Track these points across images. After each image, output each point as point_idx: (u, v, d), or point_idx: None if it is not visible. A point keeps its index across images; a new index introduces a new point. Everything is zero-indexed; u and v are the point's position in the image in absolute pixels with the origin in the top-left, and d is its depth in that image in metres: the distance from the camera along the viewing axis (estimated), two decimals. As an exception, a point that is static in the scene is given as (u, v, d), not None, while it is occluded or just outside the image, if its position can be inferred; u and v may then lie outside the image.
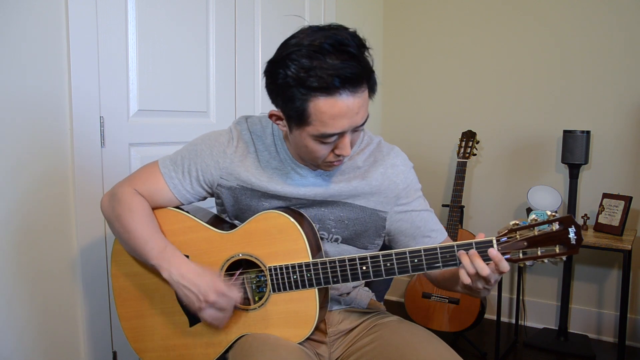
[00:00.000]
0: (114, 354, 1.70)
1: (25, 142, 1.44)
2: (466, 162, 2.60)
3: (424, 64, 3.01)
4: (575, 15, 2.60)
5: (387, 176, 1.16)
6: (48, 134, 1.49)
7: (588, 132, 2.43)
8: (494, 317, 2.76)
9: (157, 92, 1.79)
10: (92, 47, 1.57)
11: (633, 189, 2.52)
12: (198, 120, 1.96)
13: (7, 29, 1.38)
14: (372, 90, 1.01)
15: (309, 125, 0.98)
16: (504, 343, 2.63)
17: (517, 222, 0.98)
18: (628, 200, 2.30)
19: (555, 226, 0.95)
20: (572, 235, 0.94)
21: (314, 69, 0.92)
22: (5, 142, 1.40)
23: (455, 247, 1.00)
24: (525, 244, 0.96)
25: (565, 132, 2.46)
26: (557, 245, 0.95)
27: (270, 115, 1.07)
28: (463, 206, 2.61)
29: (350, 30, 0.97)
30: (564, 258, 0.96)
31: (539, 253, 0.96)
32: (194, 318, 1.18)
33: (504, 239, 0.97)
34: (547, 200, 2.52)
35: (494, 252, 0.97)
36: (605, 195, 2.41)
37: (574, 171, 2.50)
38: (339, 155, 1.05)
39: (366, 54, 0.97)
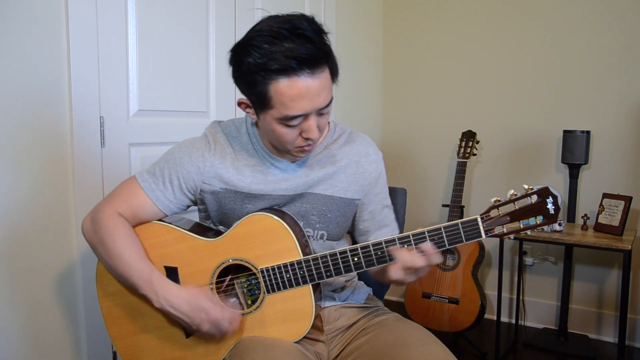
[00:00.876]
0: (114, 354, 1.70)
1: (25, 142, 1.44)
2: (466, 162, 2.60)
3: (424, 64, 3.01)
4: (575, 16, 2.60)
5: (361, 164, 1.22)
6: (48, 133, 1.49)
7: (588, 132, 2.43)
8: (494, 317, 2.76)
9: (157, 92, 1.79)
10: (92, 47, 1.57)
11: (633, 189, 2.52)
12: (198, 120, 1.96)
13: (7, 29, 1.38)
14: (333, 73, 1.04)
15: (272, 109, 1.01)
16: (504, 343, 2.63)
17: (498, 198, 1.02)
18: (628, 200, 2.30)
19: (534, 198, 0.99)
20: (550, 205, 0.99)
21: (272, 52, 0.96)
22: (6, 142, 1.40)
23: (443, 228, 1.02)
24: (508, 218, 1.01)
25: (565, 132, 2.46)
26: (537, 217, 1.00)
27: (239, 103, 1.10)
28: (463, 206, 2.61)
29: (308, 16, 1.00)
30: (545, 228, 1.01)
31: (521, 226, 1.01)
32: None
33: (487, 216, 1.01)
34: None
35: (428, 246, 1.02)
36: (605, 195, 2.41)
37: (574, 171, 2.50)
38: (307, 139, 1.06)
39: (324, 38, 1.00)
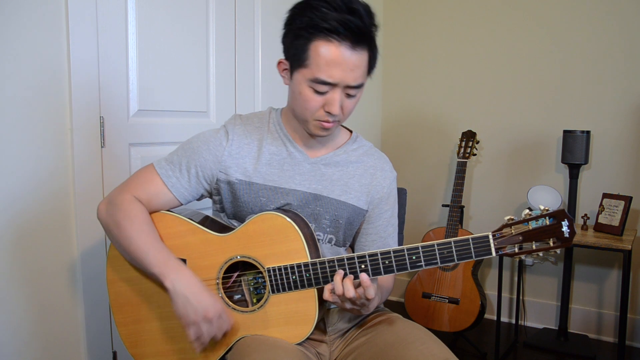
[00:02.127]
0: (114, 354, 1.70)
1: (25, 142, 1.44)
2: (466, 162, 2.60)
3: (424, 63, 3.01)
4: (575, 16, 2.60)
5: (376, 177, 1.25)
6: (48, 134, 1.49)
7: (588, 132, 2.43)
8: (494, 317, 2.76)
9: (157, 92, 1.79)
10: (92, 47, 1.57)
11: (633, 189, 2.52)
12: (198, 120, 1.96)
13: (7, 29, 1.38)
14: (371, 62, 1.09)
15: (306, 68, 1.06)
16: (504, 343, 2.63)
17: (511, 217, 1.01)
18: (628, 200, 2.30)
19: (549, 220, 0.98)
20: (565, 228, 0.97)
21: (325, 14, 1.02)
22: (5, 142, 1.40)
23: (453, 243, 1.01)
24: (521, 238, 0.99)
25: (565, 132, 2.46)
26: (551, 239, 0.98)
27: (279, 63, 1.15)
28: (463, 206, 2.61)
29: (364, 2, 1.07)
30: (558, 251, 0.99)
31: (534, 247, 0.99)
32: None
33: (499, 234, 1.00)
34: (547, 200, 2.52)
35: (364, 277, 1.03)
36: (605, 195, 2.41)
37: (574, 171, 2.50)
38: (328, 113, 1.09)
39: (373, 24, 1.07)
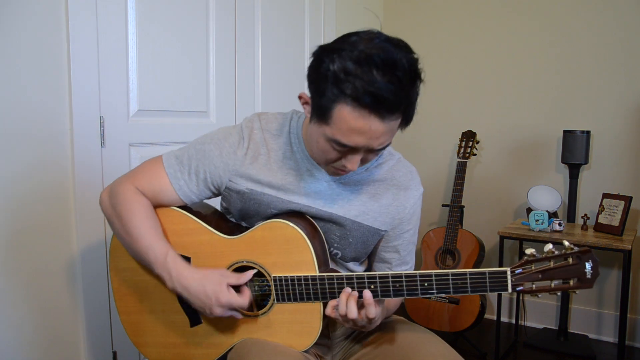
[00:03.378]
0: (114, 354, 1.70)
1: (25, 142, 1.44)
2: (466, 162, 2.60)
3: (424, 63, 2.99)
4: (575, 15, 2.60)
5: (398, 198, 1.15)
6: (48, 134, 1.49)
7: (588, 132, 2.43)
8: (494, 317, 2.76)
9: (157, 92, 1.79)
10: (92, 47, 1.57)
11: (633, 189, 2.52)
12: (198, 120, 1.97)
13: (7, 29, 1.38)
14: (405, 121, 0.98)
15: (328, 126, 0.96)
16: (504, 343, 2.63)
17: (533, 252, 0.95)
18: (628, 200, 2.30)
19: (572, 259, 0.93)
20: (588, 269, 0.93)
21: (354, 75, 0.88)
22: (5, 142, 1.40)
23: (468, 275, 0.97)
24: (540, 276, 0.94)
25: (565, 132, 2.46)
26: (572, 279, 0.94)
27: (300, 97, 1.04)
28: (463, 206, 2.61)
29: (413, 55, 0.93)
30: (577, 292, 0.95)
31: (552, 285, 0.94)
32: (195, 319, 1.17)
33: (519, 270, 0.95)
34: (547, 200, 2.52)
35: (367, 294, 1.00)
36: (605, 195, 2.41)
37: (574, 171, 2.50)
38: (345, 166, 1.02)
39: (416, 85, 0.93)
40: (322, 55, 0.94)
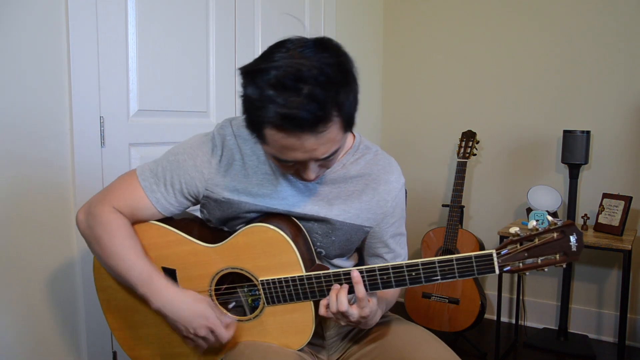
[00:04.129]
0: (114, 354, 1.70)
1: (25, 142, 1.44)
2: (466, 162, 2.60)
3: (424, 63, 3.01)
4: (575, 15, 2.60)
5: (379, 192, 1.14)
6: (48, 133, 1.49)
7: (588, 132, 2.43)
8: (494, 317, 2.76)
9: (157, 92, 1.79)
10: (92, 47, 1.57)
11: (633, 189, 2.52)
12: (198, 120, 1.97)
13: (7, 29, 1.38)
14: (346, 125, 0.93)
15: (265, 145, 0.95)
16: (504, 343, 2.63)
17: (517, 231, 0.97)
18: (628, 200, 2.30)
19: (556, 234, 0.94)
20: (573, 242, 0.93)
21: (270, 101, 0.87)
22: (5, 142, 1.40)
23: (455, 260, 0.98)
24: (526, 254, 0.95)
25: (565, 132, 2.46)
26: (558, 253, 0.94)
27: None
28: (463, 206, 2.61)
29: (327, 61, 0.88)
30: (564, 265, 0.95)
31: (539, 261, 0.95)
32: None
33: (505, 251, 0.96)
34: (547, 200, 2.52)
35: (355, 273, 1.00)
36: (605, 195, 2.41)
37: (574, 171, 2.50)
38: (302, 177, 1.00)
39: (338, 90, 0.88)
40: (242, 79, 0.93)
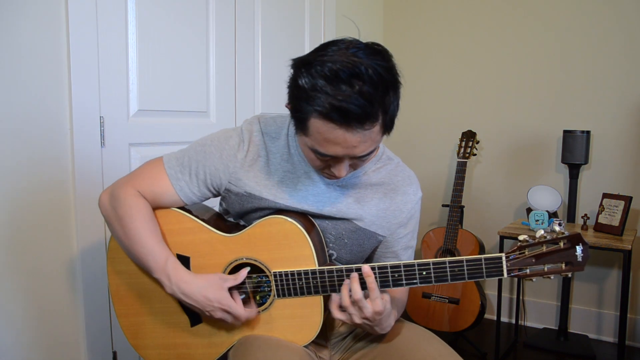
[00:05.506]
0: (114, 354, 1.70)
1: (25, 142, 1.44)
2: (466, 162, 2.60)
3: (424, 63, 3.01)
4: (575, 15, 2.60)
5: (396, 202, 1.16)
6: (48, 133, 1.49)
7: (588, 132, 2.43)
8: (494, 317, 2.76)
9: (157, 92, 1.79)
10: (92, 47, 1.57)
11: (633, 189, 2.52)
12: (198, 120, 1.97)
13: (7, 29, 1.38)
14: (386, 128, 0.97)
15: (307, 137, 0.98)
16: (504, 343, 2.63)
17: (526, 237, 0.99)
18: (628, 200, 2.30)
19: (563, 244, 0.97)
20: (579, 252, 0.97)
21: (322, 91, 0.90)
22: (5, 142, 1.40)
23: (465, 262, 1.00)
24: (533, 260, 0.98)
25: (565, 132, 2.46)
26: (563, 262, 0.98)
27: (286, 106, 1.04)
28: (463, 206, 2.61)
29: (387, 64, 0.93)
30: (570, 274, 0.98)
31: (545, 269, 0.98)
32: (195, 318, 1.17)
33: (514, 255, 0.99)
34: (547, 200, 2.52)
35: (365, 267, 1.02)
36: (605, 195, 2.41)
37: (574, 171, 2.50)
38: (333, 173, 1.03)
39: (387, 91, 0.93)
40: (295, 69, 0.96)
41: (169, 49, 1.81)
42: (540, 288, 2.81)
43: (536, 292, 2.83)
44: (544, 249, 0.98)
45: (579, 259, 0.97)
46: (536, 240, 0.99)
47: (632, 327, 2.56)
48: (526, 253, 0.99)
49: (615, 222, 2.30)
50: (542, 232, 0.99)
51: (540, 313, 2.81)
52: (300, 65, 0.95)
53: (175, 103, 1.87)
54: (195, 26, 1.91)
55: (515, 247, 1.00)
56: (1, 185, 1.40)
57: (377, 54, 0.94)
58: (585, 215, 2.43)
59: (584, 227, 2.42)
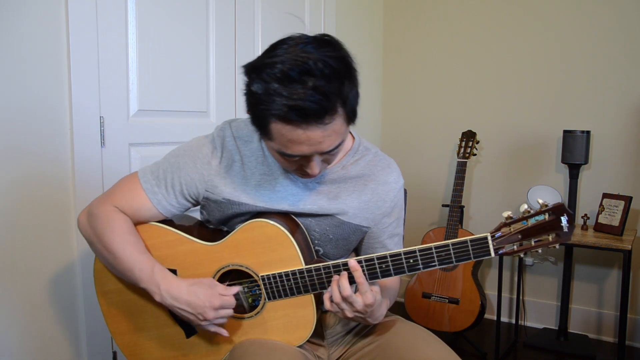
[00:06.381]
0: (114, 354, 1.70)
1: (25, 142, 1.44)
2: (466, 162, 2.60)
3: (424, 63, 3.01)
4: (575, 15, 2.60)
5: (377, 192, 1.16)
6: (48, 134, 1.49)
7: (588, 132, 2.43)
8: (494, 317, 2.76)
9: (157, 92, 1.79)
10: (92, 47, 1.57)
11: (633, 189, 2.52)
12: (198, 120, 1.97)
13: (7, 29, 1.38)
14: (349, 118, 0.96)
15: (272, 141, 0.97)
16: (504, 343, 2.63)
17: (510, 215, 0.98)
18: (628, 200, 2.30)
19: (548, 215, 0.96)
20: (564, 223, 0.95)
21: (277, 94, 0.89)
22: (5, 142, 1.40)
23: (451, 245, 0.99)
24: (520, 236, 0.97)
25: (565, 132, 2.46)
26: (550, 234, 0.96)
27: (247, 112, 1.03)
28: (463, 206, 2.61)
29: (338, 53, 0.92)
30: (557, 246, 0.97)
31: (533, 243, 0.97)
32: (189, 329, 1.16)
33: (499, 234, 0.98)
34: (547, 200, 2.51)
35: (352, 262, 1.01)
36: (605, 195, 2.41)
37: (574, 171, 2.50)
38: (306, 172, 1.02)
39: (342, 82, 0.91)
40: (247, 76, 0.95)
41: (169, 49, 1.81)
42: (540, 288, 2.81)
43: (536, 292, 2.83)
44: (529, 223, 0.97)
45: (565, 229, 0.95)
46: (520, 216, 0.98)
47: (632, 327, 2.56)
48: (511, 230, 0.98)
49: (615, 222, 2.30)
50: (525, 206, 0.98)
51: (540, 313, 2.81)
52: (251, 71, 0.94)
53: (175, 103, 1.87)
54: (195, 26, 1.91)
55: (500, 225, 0.99)
56: (1, 185, 1.39)
57: (327, 44, 0.92)
58: (585, 215, 2.43)
59: (584, 227, 2.42)
